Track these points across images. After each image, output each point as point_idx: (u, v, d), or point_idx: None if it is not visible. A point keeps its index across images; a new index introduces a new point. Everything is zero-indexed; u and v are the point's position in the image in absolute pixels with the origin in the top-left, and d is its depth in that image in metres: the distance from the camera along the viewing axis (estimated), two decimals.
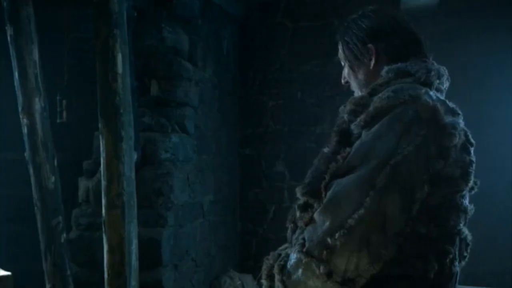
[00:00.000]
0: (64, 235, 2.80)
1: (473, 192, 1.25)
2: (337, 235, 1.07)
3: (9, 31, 2.65)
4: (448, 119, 1.15)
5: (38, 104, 2.66)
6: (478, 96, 3.99)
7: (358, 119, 1.18)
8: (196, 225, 3.80)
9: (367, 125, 1.16)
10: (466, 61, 4.12)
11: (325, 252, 1.09)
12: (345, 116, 1.25)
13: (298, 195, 1.24)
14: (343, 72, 1.49)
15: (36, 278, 2.96)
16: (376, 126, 1.14)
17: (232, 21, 4.62)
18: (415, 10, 4.15)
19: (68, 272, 2.81)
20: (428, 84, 1.26)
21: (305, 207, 1.23)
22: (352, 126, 1.19)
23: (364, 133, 1.16)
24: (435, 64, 1.34)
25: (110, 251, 2.53)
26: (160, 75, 3.50)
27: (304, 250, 1.12)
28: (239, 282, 4.08)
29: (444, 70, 1.34)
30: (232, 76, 4.68)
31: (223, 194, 4.39)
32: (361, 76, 1.41)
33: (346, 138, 1.21)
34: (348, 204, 1.09)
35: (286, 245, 1.35)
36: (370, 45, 1.38)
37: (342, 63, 1.49)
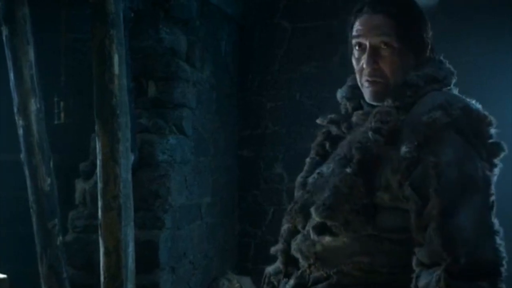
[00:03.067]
0: (60, 237, 2.78)
1: None
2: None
3: (4, 31, 2.64)
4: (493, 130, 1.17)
5: (33, 105, 2.64)
6: (479, 97, 3.94)
7: (408, 143, 1.11)
8: (193, 227, 3.78)
9: (422, 147, 1.10)
10: (466, 62, 4.09)
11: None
12: (370, 134, 1.18)
13: (316, 217, 1.18)
14: (372, 55, 1.25)
15: (32, 281, 2.93)
16: (447, 151, 1.09)
17: (230, 22, 4.60)
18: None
19: (65, 275, 2.79)
20: (453, 90, 1.28)
21: (323, 230, 1.19)
22: (403, 150, 1.11)
23: (430, 159, 1.09)
24: (447, 61, 1.31)
25: (106, 253, 2.51)
26: (157, 76, 3.47)
27: None
28: (237, 285, 4.06)
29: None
30: (230, 77, 4.66)
31: (221, 196, 4.37)
32: (406, 66, 1.26)
33: (368, 158, 1.16)
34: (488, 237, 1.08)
35: (277, 264, 1.33)
36: (428, 40, 1.30)
37: (378, 43, 1.25)
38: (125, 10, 2.79)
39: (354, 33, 1.29)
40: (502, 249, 1.05)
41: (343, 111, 1.42)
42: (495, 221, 1.09)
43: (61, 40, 3.71)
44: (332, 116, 1.41)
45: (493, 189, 1.13)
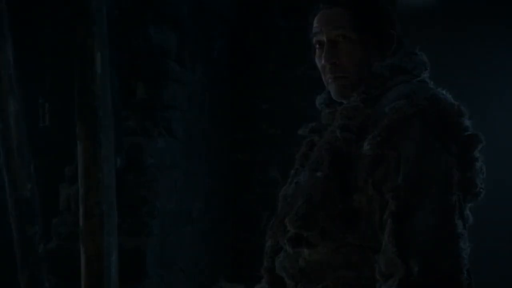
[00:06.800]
0: (42, 245, 2.68)
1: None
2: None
3: None
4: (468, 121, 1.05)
5: (12, 106, 2.54)
6: (479, 97, 3.89)
7: (371, 138, 1.02)
8: (184, 234, 3.67)
9: (385, 142, 1.01)
10: (466, 62, 4.03)
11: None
12: (338, 132, 1.10)
13: (290, 228, 1.08)
14: (330, 50, 1.20)
15: None
16: (408, 145, 0.99)
17: (223, 21, 4.50)
18: (413, 10, 4.07)
19: (46, 285, 2.70)
20: (425, 82, 1.16)
21: (298, 241, 1.09)
22: (366, 146, 1.02)
23: (391, 155, 1.00)
24: (422, 53, 1.22)
25: (88, 263, 2.42)
26: (146, 77, 3.35)
27: None
28: None
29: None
30: (223, 78, 4.56)
31: (213, 201, 4.26)
32: (369, 59, 1.19)
33: (340, 158, 1.07)
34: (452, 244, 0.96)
35: (264, 284, 1.24)
36: (392, 31, 1.22)
37: (335, 37, 1.20)
38: (109, 6, 2.68)
39: (312, 32, 1.25)
40: (464, 254, 0.94)
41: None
42: (459, 222, 0.96)
43: (46, 40, 3.60)
44: (313, 124, 1.36)
45: (484, 184, 1.03)
